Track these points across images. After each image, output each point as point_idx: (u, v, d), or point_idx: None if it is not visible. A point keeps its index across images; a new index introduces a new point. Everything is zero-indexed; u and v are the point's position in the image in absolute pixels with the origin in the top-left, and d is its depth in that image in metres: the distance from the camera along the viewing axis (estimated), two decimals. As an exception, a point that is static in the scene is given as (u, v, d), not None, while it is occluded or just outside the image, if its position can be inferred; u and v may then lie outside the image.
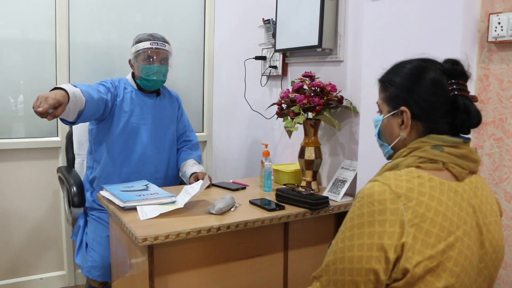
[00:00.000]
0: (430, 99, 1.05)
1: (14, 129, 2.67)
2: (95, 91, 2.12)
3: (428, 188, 0.98)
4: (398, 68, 1.13)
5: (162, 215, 1.67)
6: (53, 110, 1.71)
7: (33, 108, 1.70)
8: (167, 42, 2.35)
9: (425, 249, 0.93)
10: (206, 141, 3.30)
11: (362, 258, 0.95)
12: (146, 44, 2.28)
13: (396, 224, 0.94)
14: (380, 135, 1.19)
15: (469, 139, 1.08)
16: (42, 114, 1.67)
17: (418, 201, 0.96)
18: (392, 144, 1.15)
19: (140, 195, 1.84)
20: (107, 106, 2.22)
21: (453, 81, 1.05)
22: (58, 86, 1.86)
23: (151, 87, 2.35)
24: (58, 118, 1.94)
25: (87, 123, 2.44)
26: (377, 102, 1.19)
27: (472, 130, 1.11)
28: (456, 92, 1.04)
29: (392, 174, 1.02)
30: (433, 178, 1.01)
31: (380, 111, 1.18)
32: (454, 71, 1.06)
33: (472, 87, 1.59)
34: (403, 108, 1.08)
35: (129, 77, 2.42)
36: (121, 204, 1.76)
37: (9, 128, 2.65)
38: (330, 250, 1.03)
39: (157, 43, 2.29)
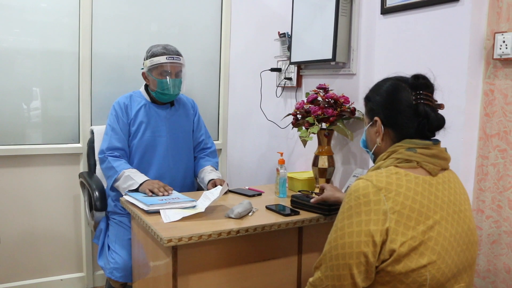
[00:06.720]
0: (397, 108, 1.25)
1: (37, 135, 2.74)
2: (122, 145, 2.35)
3: (405, 181, 1.16)
4: (377, 88, 1.34)
5: (184, 219, 1.75)
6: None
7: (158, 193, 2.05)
8: (180, 55, 2.38)
9: (407, 231, 1.10)
10: (221, 149, 3.36)
11: (353, 244, 1.12)
12: (162, 59, 2.31)
13: (380, 212, 1.11)
14: (364, 144, 1.42)
15: (438, 140, 1.27)
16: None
17: (397, 192, 1.13)
18: (372, 150, 1.35)
19: (162, 200, 1.93)
20: (128, 133, 2.38)
21: (417, 91, 1.24)
22: (137, 180, 2.16)
23: (166, 99, 2.41)
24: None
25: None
26: (362, 116, 1.37)
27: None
28: (419, 101, 1.23)
29: (374, 172, 1.20)
30: (409, 174, 1.18)
31: (365, 123, 1.39)
32: (418, 84, 1.25)
33: (478, 101, 1.69)
34: (375, 118, 1.29)
35: (142, 89, 2.46)
36: (145, 208, 1.85)
37: (33, 134, 2.74)
38: (326, 242, 1.21)
39: (173, 57, 2.32)
